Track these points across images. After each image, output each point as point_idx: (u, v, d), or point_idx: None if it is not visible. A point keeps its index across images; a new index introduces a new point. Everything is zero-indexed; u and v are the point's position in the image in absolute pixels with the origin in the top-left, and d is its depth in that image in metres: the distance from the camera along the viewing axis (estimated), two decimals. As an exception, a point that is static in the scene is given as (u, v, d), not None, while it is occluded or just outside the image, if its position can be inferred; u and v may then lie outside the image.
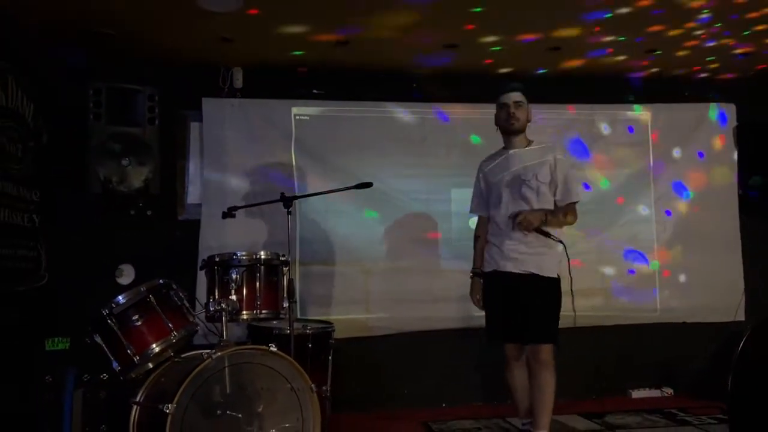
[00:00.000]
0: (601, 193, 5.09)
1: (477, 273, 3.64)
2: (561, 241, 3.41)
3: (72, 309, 4.12)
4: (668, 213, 5.15)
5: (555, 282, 3.43)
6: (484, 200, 3.64)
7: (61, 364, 3.69)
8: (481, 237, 3.66)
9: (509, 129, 3.52)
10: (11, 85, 3.91)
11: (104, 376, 3.62)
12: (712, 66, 4.93)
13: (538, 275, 3.38)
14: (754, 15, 3.99)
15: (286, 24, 3.98)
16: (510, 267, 3.43)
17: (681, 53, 4.63)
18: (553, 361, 3.38)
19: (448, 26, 4.06)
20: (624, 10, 3.86)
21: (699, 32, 4.26)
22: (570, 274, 3.40)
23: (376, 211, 4.81)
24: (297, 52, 4.44)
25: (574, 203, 3.51)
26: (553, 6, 3.81)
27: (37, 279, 4.17)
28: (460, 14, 3.86)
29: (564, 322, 3.47)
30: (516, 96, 3.49)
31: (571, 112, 5.10)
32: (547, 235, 3.39)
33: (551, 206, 3.45)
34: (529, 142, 3.56)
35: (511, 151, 3.55)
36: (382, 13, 3.86)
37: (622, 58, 4.70)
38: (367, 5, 3.75)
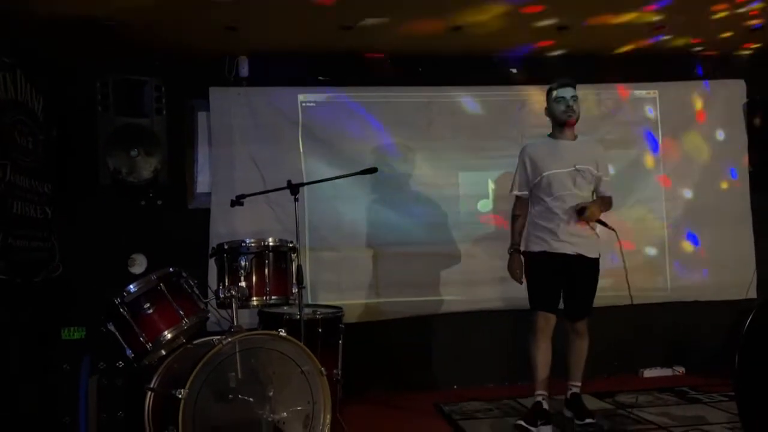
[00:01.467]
0: (611, 172, 5.05)
1: (517, 249, 3.80)
2: (614, 229, 3.64)
3: (87, 298, 4.19)
4: (678, 190, 5.12)
5: (598, 263, 3.78)
6: (528, 182, 3.78)
7: (78, 352, 3.77)
8: (520, 216, 3.82)
9: (566, 122, 3.72)
10: (20, 79, 3.96)
11: (120, 364, 3.70)
12: (726, 40, 4.84)
13: (588, 257, 3.70)
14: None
15: (291, 11, 3.98)
16: (565, 248, 3.66)
17: (694, 27, 4.57)
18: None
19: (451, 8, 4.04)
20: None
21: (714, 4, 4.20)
22: (623, 256, 3.65)
23: (384, 196, 4.82)
24: (302, 39, 4.44)
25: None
26: None
27: (52, 270, 4.25)
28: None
29: (622, 299, 3.92)
30: (572, 91, 3.73)
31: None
32: (605, 224, 3.68)
33: (590, 196, 3.77)
34: (575, 135, 3.79)
35: (563, 142, 3.75)
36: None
37: (630, 36, 4.65)
38: None
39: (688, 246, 5.12)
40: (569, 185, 3.68)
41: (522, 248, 3.81)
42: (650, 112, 5.13)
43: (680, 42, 4.85)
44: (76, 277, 4.35)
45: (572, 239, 3.67)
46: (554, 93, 3.75)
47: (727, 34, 4.73)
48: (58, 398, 3.66)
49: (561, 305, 3.79)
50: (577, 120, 3.77)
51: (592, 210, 3.62)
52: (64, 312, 4.18)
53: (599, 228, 3.73)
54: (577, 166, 3.68)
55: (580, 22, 4.36)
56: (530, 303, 3.77)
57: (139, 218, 4.49)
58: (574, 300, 3.75)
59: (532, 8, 4.12)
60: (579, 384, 3.86)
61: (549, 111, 3.81)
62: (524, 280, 3.78)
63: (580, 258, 3.69)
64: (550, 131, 3.85)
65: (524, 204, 3.84)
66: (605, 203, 3.78)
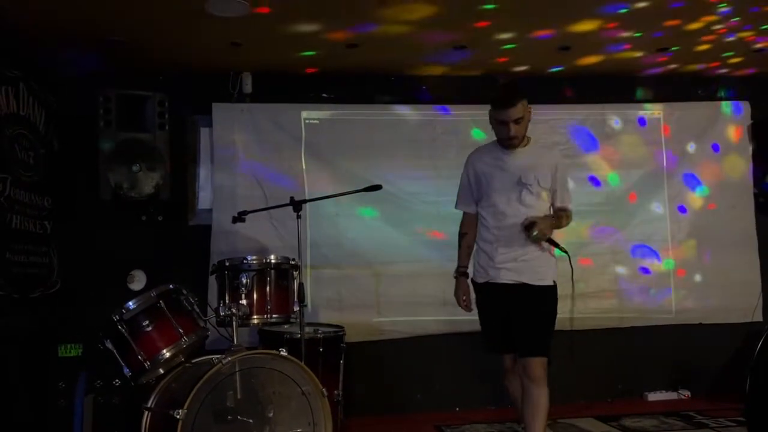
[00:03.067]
0: (615, 192, 5.04)
1: (463, 273, 3.35)
2: (567, 252, 3.17)
3: (85, 315, 4.15)
4: (683, 211, 5.08)
5: (550, 290, 3.17)
6: (473, 196, 3.34)
7: (74, 370, 3.72)
8: (468, 234, 3.36)
9: (506, 147, 3.21)
10: (23, 92, 3.95)
11: (117, 382, 3.64)
12: (729, 62, 4.85)
13: (532, 285, 3.13)
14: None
15: (296, 23, 3.96)
16: (502, 277, 3.16)
17: (698, 49, 4.56)
18: (545, 376, 3.10)
19: (459, 25, 4.03)
20: (641, 5, 3.81)
21: (717, 26, 4.17)
22: (573, 282, 3.22)
23: (386, 214, 4.79)
24: (307, 53, 4.43)
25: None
26: (562, 7, 3.79)
27: (50, 285, 4.20)
28: (471, 12, 3.83)
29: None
30: (515, 113, 3.09)
31: (581, 110, 5.06)
32: (556, 245, 3.18)
33: (545, 211, 3.23)
34: (528, 140, 3.24)
35: (508, 153, 3.22)
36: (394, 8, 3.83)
37: (636, 55, 4.64)
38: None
39: (693, 268, 5.06)
40: (513, 202, 3.16)
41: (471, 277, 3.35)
42: (656, 132, 5.11)
43: (686, 63, 4.84)
44: (74, 293, 4.30)
45: (511, 265, 3.14)
46: (495, 114, 3.15)
47: (731, 57, 4.73)
48: (53, 416, 3.60)
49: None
50: (523, 140, 3.19)
51: (540, 228, 3.06)
52: (62, 328, 4.13)
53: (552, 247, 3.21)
54: (522, 179, 3.15)
55: (582, 43, 4.37)
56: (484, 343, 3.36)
57: (139, 234, 4.46)
58: (519, 336, 3.14)
59: (541, 32, 4.14)
60: None
61: (492, 124, 3.23)
62: (473, 308, 3.35)
63: (523, 288, 3.12)
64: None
65: (472, 220, 3.35)
66: (559, 219, 3.22)
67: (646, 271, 5.03)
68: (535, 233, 3.06)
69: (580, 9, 3.87)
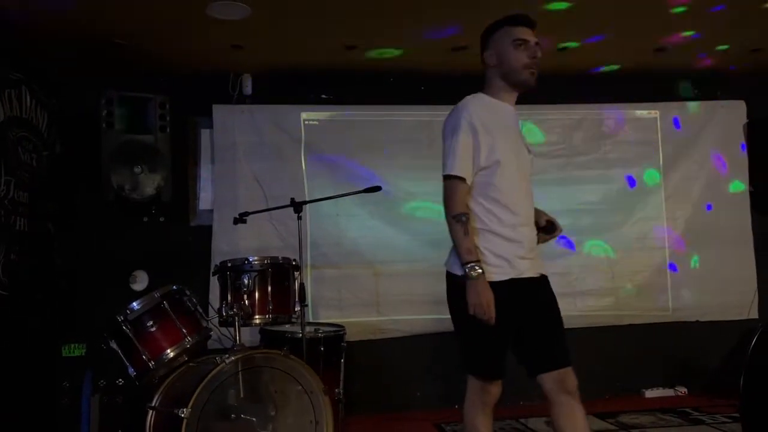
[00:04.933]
0: (611, 191, 5.09)
1: (482, 268, 2.36)
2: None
3: (88, 315, 4.20)
4: (679, 210, 5.13)
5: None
6: (475, 162, 2.44)
7: (78, 369, 3.76)
8: (469, 216, 2.41)
9: (528, 82, 2.51)
10: (25, 95, 3.98)
11: (120, 381, 3.68)
12: (725, 62, 4.90)
13: (546, 276, 2.57)
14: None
15: (295, 25, 4.02)
16: (530, 271, 2.48)
17: (692, 48, 4.62)
18: None
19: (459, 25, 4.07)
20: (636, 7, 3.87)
21: (714, 27, 4.24)
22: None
23: (386, 214, 4.83)
24: (305, 58, 4.47)
25: None
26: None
27: (53, 286, 4.24)
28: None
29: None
30: (534, 35, 2.51)
31: (578, 110, 5.10)
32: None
33: None
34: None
35: (508, 107, 2.57)
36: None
37: (632, 56, 4.69)
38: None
39: (689, 266, 5.11)
40: (525, 169, 2.55)
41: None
42: (652, 131, 5.15)
43: (681, 63, 4.89)
44: (77, 294, 4.34)
45: (533, 254, 2.52)
46: (512, 32, 2.49)
47: (728, 56, 4.77)
48: (58, 415, 3.64)
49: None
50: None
51: (559, 233, 2.66)
52: (65, 328, 4.17)
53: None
54: (528, 147, 2.62)
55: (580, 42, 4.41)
56: (473, 366, 2.61)
57: (141, 235, 4.50)
58: (554, 340, 2.48)
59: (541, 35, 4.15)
60: None
61: (498, 59, 2.51)
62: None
63: (543, 281, 2.54)
64: (485, 90, 2.58)
65: (466, 196, 2.43)
66: None
67: (642, 269, 5.08)
68: (553, 236, 2.61)
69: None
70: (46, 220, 4.17)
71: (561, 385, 2.41)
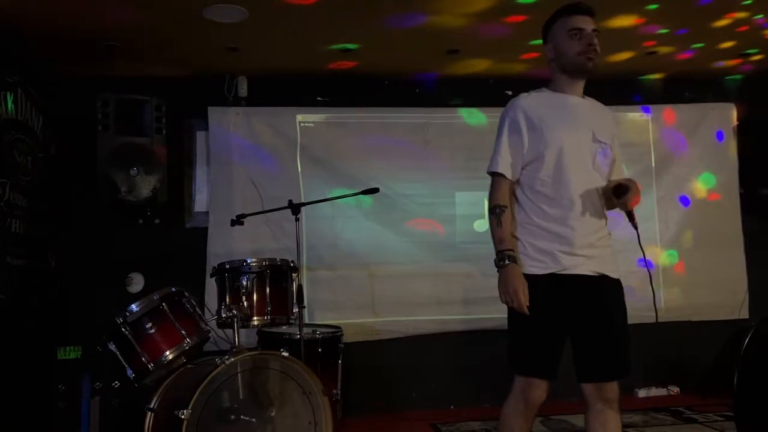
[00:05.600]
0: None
1: (514, 258, 2.40)
2: (638, 230, 2.48)
3: (83, 318, 4.20)
4: (671, 211, 5.18)
5: (622, 286, 2.54)
6: (522, 156, 2.48)
7: (74, 372, 3.76)
8: (508, 208, 2.48)
9: (583, 67, 2.46)
10: (21, 97, 3.97)
11: (116, 384, 3.68)
12: (716, 65, 4.96)
13: (612, 279, 2.47)
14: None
15: (293, 29, 4.05)
16: (581, 268, 2.40)
17: (685, 54, 4.69)
18: None
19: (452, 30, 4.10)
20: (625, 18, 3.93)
21: (706, 32, 4.30)
22: (648, 266, 2.59)
23: (381, 216, 4.85)
24: (301, 60, 4.49)
25: None
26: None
27: (49, 288, 4.23)
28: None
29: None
30: (592, 23, 2.48)
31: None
32: (633, 218, 2.49)
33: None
34: (583, 94, 2.59)
35: (574, 99, 2.52)
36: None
37: (626, 58, 4.74)
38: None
39: (681, 266, 5.17)
40: (588, 162, 2.45)
41: None
42: (644, 133, 5.21)
43: (672, 65, 4.95)
44: (72, 296, 4.34)
45: (589, 251, 2.41)
46: (567, 22, 2.47)
47: (718, 59, 4.84)
48: (54, 419, 3.64)
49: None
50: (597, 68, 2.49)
51: (634, 192, 2.39)
52: (61, 331, 4.17)
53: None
54: (597, 135, 2.47)
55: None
56: (515, 362, 2.49)
57: (136, 237, 4.50)
58: (600, 350, 2.39)
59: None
60: None
61: (555, 51, 2.50)
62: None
63: (603, 282, 2.43)
64: (550, 84, 2.57)
65: (508, 190, 2.50)
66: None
67: (636, 269, 5.12)
68: (627, 197, 2.38)
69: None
70: (42, 223, 4.16)
71: (600, 393, 2.40)
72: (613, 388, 2.40)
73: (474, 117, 5.01)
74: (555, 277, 2.38)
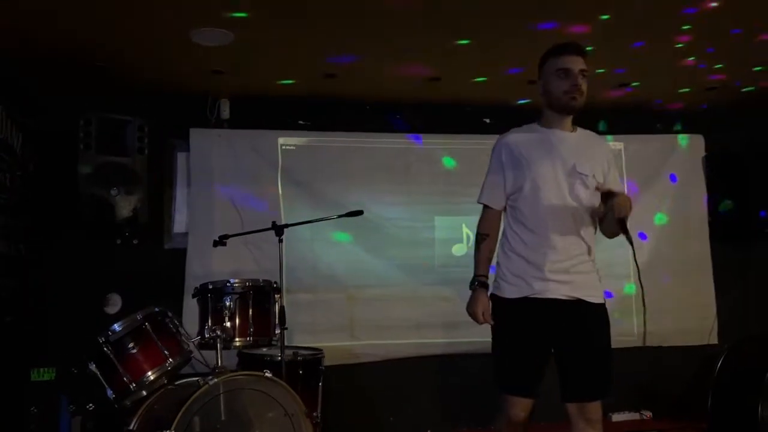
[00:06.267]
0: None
1: (484, 283, 2.66)
2: (633, 244, 2.62)
3: (58, 338, 4.13)
4: (643, 238, 5.31)
5: (606, 311, 2.68)
6: (505, 187, 2.70)
7: (47, 394, 3.69)
8: (489, 237, 2.71)
9: (567, 107, 2.63)
10: (1, 114, 3.94)
11: (90, 407, 3.61)
12: (685, 98, 5.14)
13: (590, 303, 2.61)
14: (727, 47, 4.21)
15: (277, 53, 4.11)
16: (553, 292, 2.56)
17: (654, 86, 4.85)
18: None
19: (434, 59, 4.20)
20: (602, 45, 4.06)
21: (674, 63, 4.47)
22: (641, 285, 2.80)
23: (360, 239, 4.89)
24: (285, 82, 4.55)
25: None
26: (533, 43, 3.99)
27: (24, 308, 4.15)
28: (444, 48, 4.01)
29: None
30: (582, 63, 2.62)
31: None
32: (627, 231, 2.58)
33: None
34: (574, 127, 2.74)
35: (558, 132, 2.68)
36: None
37: (596, 90, 4.89)
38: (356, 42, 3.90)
39: (653, 292, 5.26)
40: (564, 194, 2.61)
41: (489, 291, 2.69)
42: (616, 163, 5.33)
43: (645, 98, 5.11)
44: (47, 317, 4.26)
45: (563, 276, 2.57)
46: (555, 62, 2.64)
47: (687, 91, 5.02)
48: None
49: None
50: (583, 106, 2.66)
51: (622, 200, 2.50)
52: (35, 352, 4.09)
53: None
54: (577, 168, 2.61)
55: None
56: (497, 379, 2.68)
57: (115, 257, 4.46)
58: (579, 371, 2.55)
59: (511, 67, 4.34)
60: None
61: (543, 89, 2.69)
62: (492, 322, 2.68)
63: (579, 306, 2.57)
64: (541, 118, 2.75)
65: (496, 220, 2.75)
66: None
67: (609, 295, 5.22)
68: (615, 201, 2.49)
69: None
70: (18, 242, 4.10)
71: (582, 413, 2.56)
72: (595, 409, 2.56)
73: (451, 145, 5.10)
74: (528, 300, 2.58)
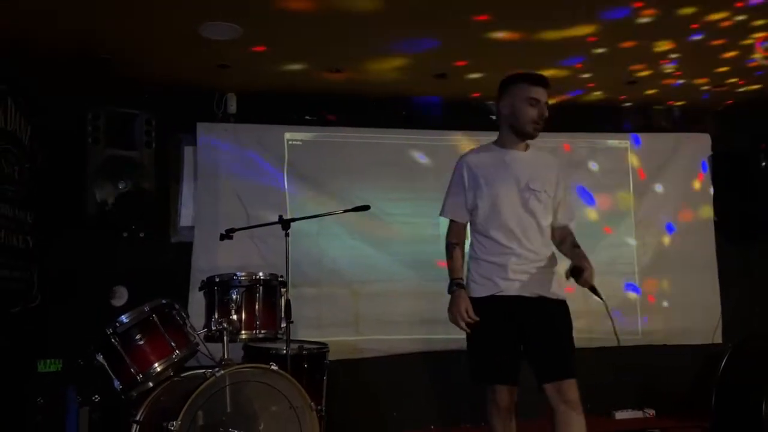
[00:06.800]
0: (583, 218, 5.24)
1: (461, 284, 2.93)
2: (605, 300, 2.86)
3: (64, 330, 4.15)
4: (648, 237, 5.31)
5: (567, 306, 2.96)
6: (466, 203, 3.01)
7: (54, 385, 3.71)
8: (459, 245, 3.03)
9: (530, 135, 2.94)
10: (10, 107, 3.96)
11: (96, 398, 3.63)
12: (685, 101, 5.15)
13: (551, 299, 2.90)
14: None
15: (286, 60, 4.19)
16: (517, 290, 2.86)
17: (658, 88, 4.87)
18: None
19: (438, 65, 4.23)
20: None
21: (672, 70, 4.52)
22: (616, 332, 2.96)
23: (366, 234, 4.89)
24: (291, 80, 4.56)
25: None
26: (537, 51, 4.07)
27: (30, 300, 4.18)
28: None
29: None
30: (546, 95, 2.91)
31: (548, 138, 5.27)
32: (597, 293, 2.85)
33: (549, 222, 3.01)
34: (527, 146, 3.03)
35: (513, 153, 2.97)
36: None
37: (603, 90, 4.90)
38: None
39: (658, 291, 5.29)
40: (520, 209, 2.91)
41: None
42: (623, 161, 5.35)
43: (652, 95, 5.11)
44: (54, 309, 4.28)
45: (525, 277, 2.87)
46: (528, 90, 2.88)
47: (687, 96, 5.04)
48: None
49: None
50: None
51: (591, 272, 2.80)
52: (41, 344, 4.11)
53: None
54: (530, 185, 2.91)
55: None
56: (475, 374, 2.94)
57: (121, 250, 4.47)
58: (549, 353, 2.82)
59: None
60: None
61: (510, 111, 2.92)
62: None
63: (541, 302, 2.87)
64: (497, 138, 3.04)
65: (462, 230, 3.05)
66: (579, 250, 2.95)
67: (613, 293, 5.23)
68: (585, 276, 2.78)
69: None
70: (26, 234, 4.13)
71: (560, 395, 2.75)
72: (572, 389, 2.75)
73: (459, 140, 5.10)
74: (495, 298, 2.87)
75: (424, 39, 3.95)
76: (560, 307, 2.92)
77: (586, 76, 4.62)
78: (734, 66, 4.47)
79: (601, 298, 2.84)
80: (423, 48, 4.05)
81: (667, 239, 5.33)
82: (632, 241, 5.30)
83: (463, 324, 2.84)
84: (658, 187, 5.36)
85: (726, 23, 3.79)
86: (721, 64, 4.45)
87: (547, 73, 4.12)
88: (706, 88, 4.93)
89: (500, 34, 3.87)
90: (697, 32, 3.91)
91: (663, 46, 4.12)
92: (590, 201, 5.27)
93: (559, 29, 3.83)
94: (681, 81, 4.79)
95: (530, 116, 2.88)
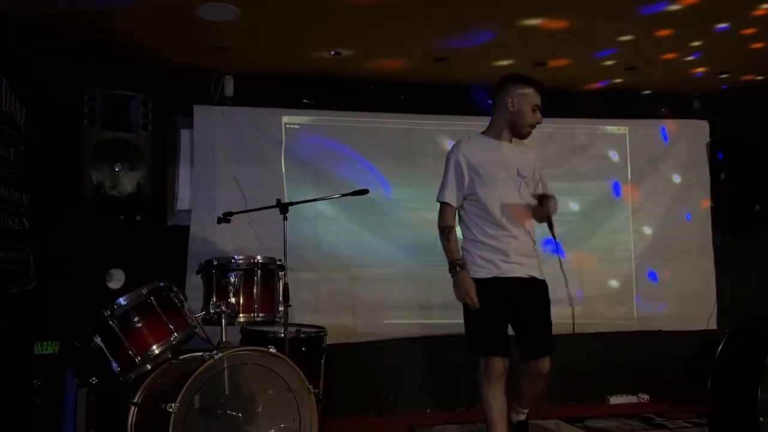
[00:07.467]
0: (580, 204, 5.25)
1: (462, 265, 3.16)
2: (555, 236, 3.18)
3: (61, 312, 4.13)
4: (644, 224, 5.32)
5: (547, 285, 3.28)
6: (462, 188, 3.23)
7: (50, 368, 3.70)
8: (453, 228, 3.26)
9: (526, 135, 3.27)
10: (5, 88, 3.92)
11: (93, 380, 3.63)
12: (691, 83, 5.13)
13: (539, 279, 3.22)
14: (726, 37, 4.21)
15: (283, 42, 4.13)
16: (516, 272, 3.15)
17: (658, 73, 4.84)
18: None
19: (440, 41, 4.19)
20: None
21: (675, 53, 4.50)
22: (564, 274, 3.20)
23: (363, 218, 4.89)
24: (289, 63, 4.52)
25: None
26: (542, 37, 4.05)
27: (26, 282, 4.16)
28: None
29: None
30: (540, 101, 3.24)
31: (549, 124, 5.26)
32: (552, 228, 3.19)
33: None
34: (512, 137, 3.32)
35: (505, 144, 3.26)
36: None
37: (601, 74, 4.89)
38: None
39: (653, 277, 5.31)
40: (514, 194, 3.19)
41: None
42: (621, 147, 5.35)
43: (650, 82, 5.10)
44: (50, 291, 4.27)
45: (523, 260, 3.17)
46: (534, 96, 3.20)
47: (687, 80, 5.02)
48: (30, 415, 3.58)
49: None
50: None
51: (553, 204, 3.12)
52: (38, 326, 4.10)
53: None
54: (520, 172, 3.22)
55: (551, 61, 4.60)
56: (474, 347, 3.19)
57: (118, 233, 4.43)
58: (535, 334, 3.17)
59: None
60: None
61: (516, 110, 3.19)
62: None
63: (533, 281, 3.19)
64: (487, 128, 3.32)
65: (453, 214, 3.27)
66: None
67: (609, 279, 5.25)
68: (549, 203, 3.09)
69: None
70: (21, 215, 4.10)
71: (538, 368, 3.19)
72: (546, 362, 3.18)
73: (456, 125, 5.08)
74: (497, 280, 3.15)
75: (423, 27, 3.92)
76: (544, 286, 3.26)
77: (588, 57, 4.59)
78: (734, 53, 4.45)
79: (554, 236, 3.19)
80: (421, 33, 4.02)
81: (663, 226, 5.34)
82: (629, 228, 5.31)
83: (475, 303, 3.10)
84: (656, 174, 5.36)
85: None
86: (720, 50, 4.42)
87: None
88: (704, 73, 4.91)
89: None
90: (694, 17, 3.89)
91: (662, 32, 4.11)
92: (588, 187, 5.27)
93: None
94: (680, 68, 4.77)
95: (531, 119, 3.21)
